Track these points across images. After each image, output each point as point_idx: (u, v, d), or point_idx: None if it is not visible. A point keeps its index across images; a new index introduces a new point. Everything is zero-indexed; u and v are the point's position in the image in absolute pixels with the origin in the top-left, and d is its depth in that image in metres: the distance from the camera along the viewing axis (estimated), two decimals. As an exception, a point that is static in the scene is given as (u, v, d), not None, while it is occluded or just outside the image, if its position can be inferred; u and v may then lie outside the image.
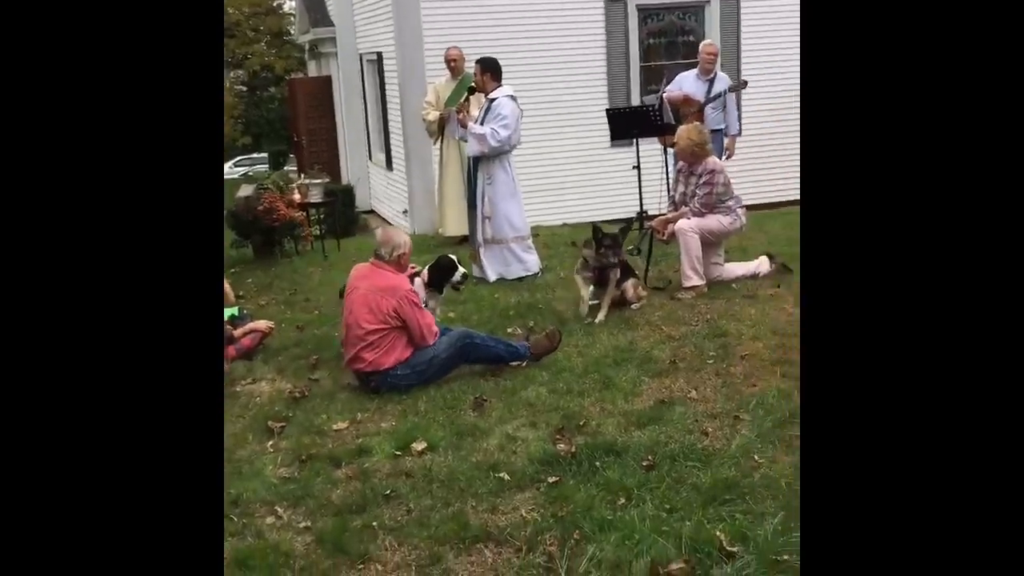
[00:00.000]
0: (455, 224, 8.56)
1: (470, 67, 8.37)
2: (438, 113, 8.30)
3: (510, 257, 6.90)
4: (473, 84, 6.95)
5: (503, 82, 6.83)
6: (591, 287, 5.78)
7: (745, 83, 8.07)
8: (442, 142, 8.54)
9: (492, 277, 6.86)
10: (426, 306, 5.08)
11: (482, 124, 6.72)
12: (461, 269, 5.36)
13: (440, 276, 5.28)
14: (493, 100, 6.74)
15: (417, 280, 5.26)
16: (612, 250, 5.60)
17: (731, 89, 7.83)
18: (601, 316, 5.64)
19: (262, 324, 5.66)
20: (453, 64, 8.34)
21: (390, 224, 11.40)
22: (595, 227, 5.70)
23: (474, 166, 6.87)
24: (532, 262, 6.97)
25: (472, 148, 6.76)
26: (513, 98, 6.78)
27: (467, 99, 7.08)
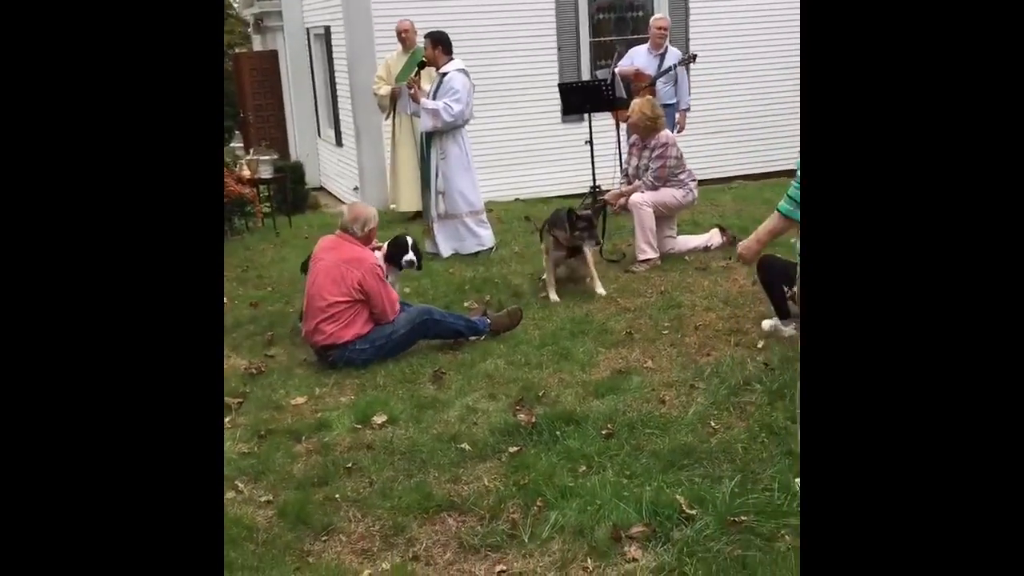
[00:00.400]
0: (408, 200, 8.52)
1: (422, 41, 8.33)
2: (390, 88, 8.22)
3: (464, 232, 6.89)
4: (424, 59, 6.89)
5: (454, 56, 6.79)
6: (558, 267, 5.74)
7: (694, 57, 8.14)
8: (394, 117, 8.47)
9: (446, 252, 6.85)
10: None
11: (434, 99, 6.68)
12: (409, 255, 5.20)
13: (396, 253, 5.26)
14: (445, 75, 6.70)
15: (378, 254, 5.23)
16: (587, 232, 5.52)
17: (681, 63, 7.89)
18: (600, 289, 5.60)
19: None
20: (404, 35, 8.26)
21: (342, 201, 11.31)
22: (570, 210, 5.58)
23: (427, 141, 6.84)
24: (487, 236, 6.98)
25: (425, 123, 6.71)
26: (465, 72, 6.75)
27: (418, 74, 7.02)
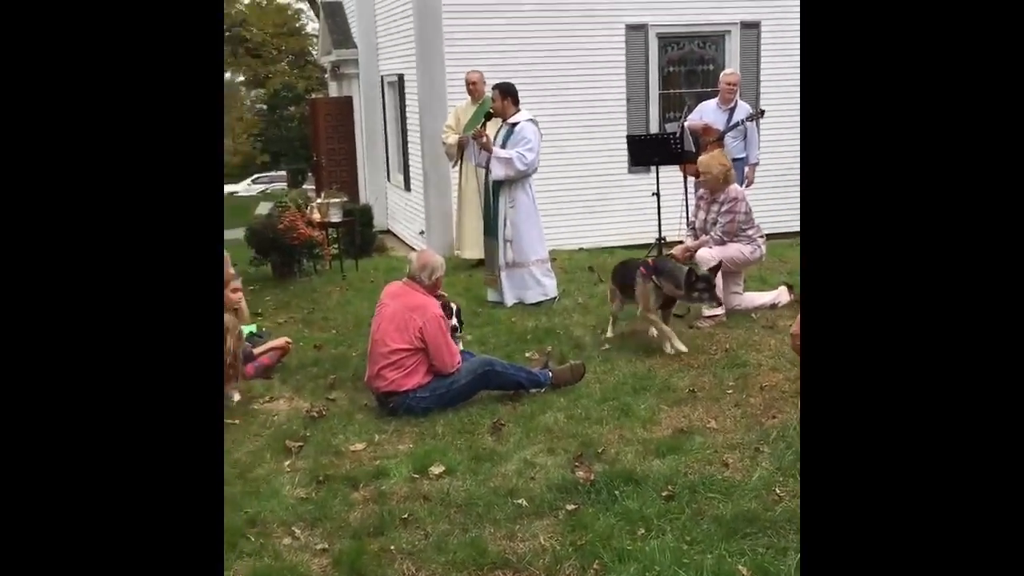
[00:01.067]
0: (472, 247, 8.59)
1: (490, 92, 8.45)
2: (458, 137, 8.35)
3: (530, 281, 6.90)
4: (491, 109, 6.97)
5: (521, 107, 6.86)
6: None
7: (763, 112, 8.07)
8: (461, 165, 8.57)
9: (510, 301, 6.86)
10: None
11: (503, 148, 6.74)
12: (452, 322, 5.14)
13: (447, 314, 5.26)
14: (514, 125, 6.76)
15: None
16: (707, 292, 5.38)
17: (749, 118, 7.84)
18: (681, 346, 5.48)
19: (280, 341, 5.67)
20: (473, 87, 8.39)
21: (417, 247, 11.45)
22: (690, 269, 5.45)
23: (494, 190, 6.89)
24: (551, 286, 6.97)
25: (497, 172, 6.76)
26: (534, 122, 6.82)
27: (484, 124, 7.11)
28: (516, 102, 6.83)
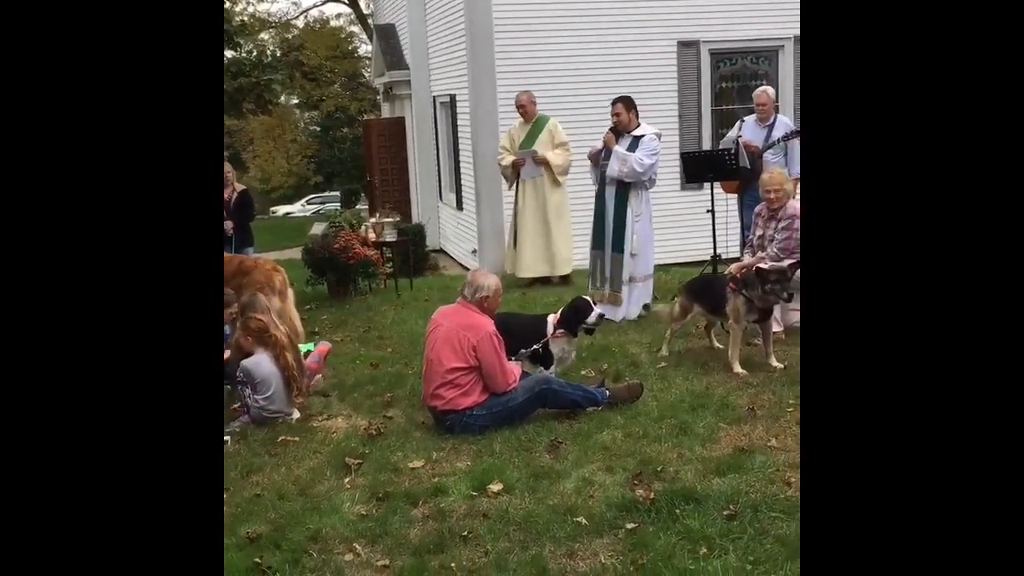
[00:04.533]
0: (529, 266, 8.63)
1: (542, 110, 8.51)
2: (512, 158, 8.42)
3: (645, 295, 7.02)
4: (615, 122, 7.00)
5: (641, 120, 7.03)
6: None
7: (797, 132, 7.92)
8: (517, 186, 8.62)
9: (634, 315, 6.96)
10: (546, 353, 5.20)
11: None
12: (597, 310, 5.28)
13: (575, 317, 5.25)
14: (639, 137, 6.85)
15: (549, 318, 5.29)
16: (780, 284, 5.31)
17: (785, 137, 7.73)
18: (776, 362, 5.45)
19: (323, 346, 5.84)
20: (522, 109, 8.47)
21: (470, 266, 11.51)
22: (758, 269, 5.46)
23: (618, 203, 6.91)
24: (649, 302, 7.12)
25: (612, 168, 6.83)
26: (658, 135, 6.97)
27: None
28: (638, 115, 6.96)
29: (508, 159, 8.49)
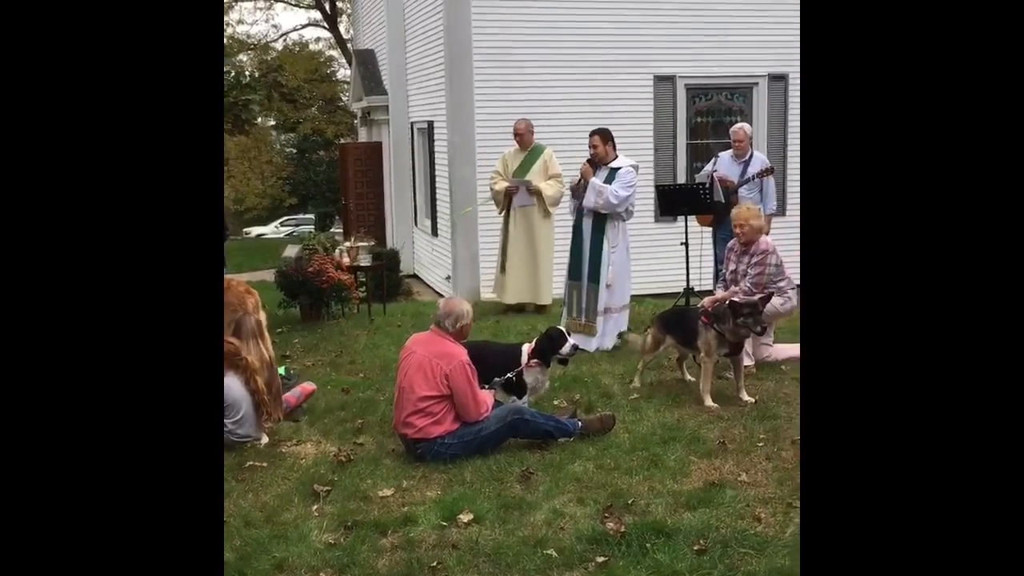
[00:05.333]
0: (516, 292, 8.67)
1: (539, 138, 8.57)
2: (505, 184, 8.46)
3: (620, 326, 7.04)
4: (592, 154, 7.06)
5: (619, 152, 7.10)
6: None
7: (771, 169, 8.03)
8: (508, 213, 8.65)
9: (609, 345, 6.97)
10: (519, 382, 5.18)
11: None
12: (571, 340, 5.27)
13: (549, 347, 5.22)
14: (616, 169, 6.91)
15: (524, 347, 5.28)
16: (752, 317, 5.35)
17: (759, 175, 7.83)
18: (746, 397, 5.48)
19: (309, 387, 5.69)
20: (519, 137, 8.53)
21: (444, 292, 11.50)
22: (730, 302, 5.51)
23: (595, 233, 6.95)
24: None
25: (589, 199, 6.88)
26: (635, 168, 7.03)
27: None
28: (615, 147, 7.03)
29: (501, 184, 8.54)
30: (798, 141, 10.83)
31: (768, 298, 5.69)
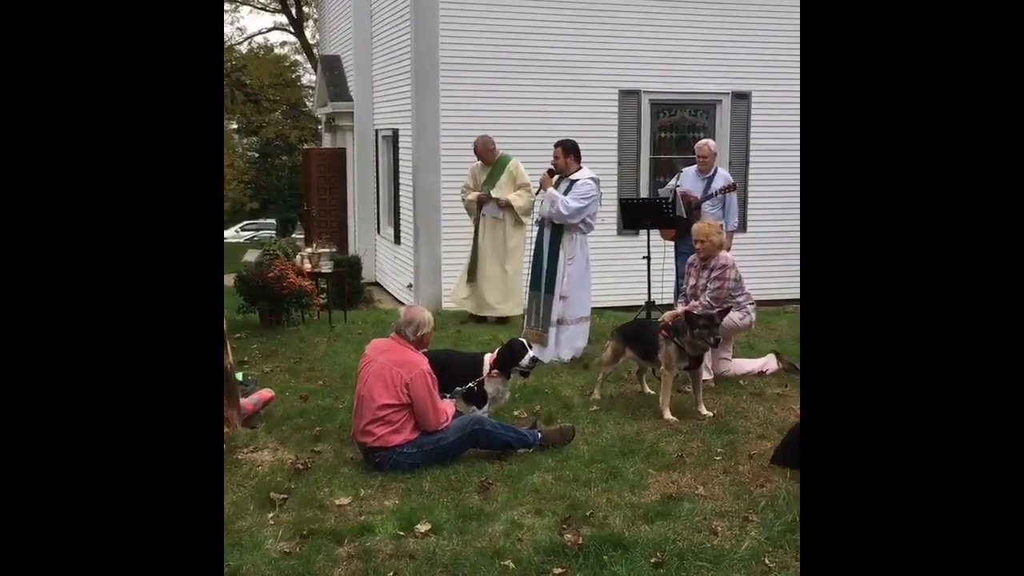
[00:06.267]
0: (484, 304, 8.68)
1: (505, 149, 8.59)
2: (477, 193, 8.48)
3: (576, 338, 7.03)
4: (553, 165, 7.08)
5: (582, 164, 7.13)
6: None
7: (734, 186, 8.15)
8: (478, 224, 8.65)
9: (566, 356, 6.97)
10: (480, 392, 5.17)
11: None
12: (531, 353, 5.23)
13: (509, 359, 5.19)
14: (575, 180, 6.94)
15: (486, 357, 5.25)
16: (708, 329, 5.38)
17: (722, 191, 7.94)
18: (705, 411, 5.50)
19: (267, 393, 5.63)
20: (479, 156, 8.58)
21: (405, 300, 11.45)
22: (688, 313, 5.57)
23: (552, 245, 6.98)
24: (581, 347, 7.07)
25: (544, 208, 6.99)
26: (595, 180, 7.05)
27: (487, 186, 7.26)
28: (578, 159, 7.07)
29: (473, 195, 8.57)
30: (759, 158, 11.01)
31: (726, 312, 5.75)
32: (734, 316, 6.23)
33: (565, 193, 6.92)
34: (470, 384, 5.18)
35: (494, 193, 8.43)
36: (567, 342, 7.02)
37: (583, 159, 7.30)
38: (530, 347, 5.32)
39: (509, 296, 8.63)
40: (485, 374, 5.20)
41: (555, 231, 6.97)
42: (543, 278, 7.01)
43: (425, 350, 4.89)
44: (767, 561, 3.52)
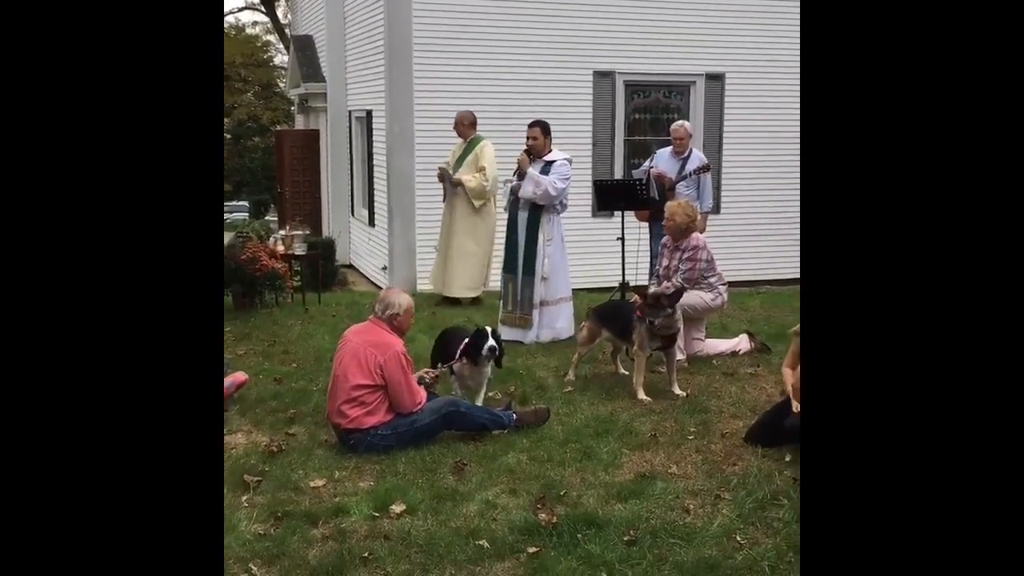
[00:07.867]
0: (461, 286, 8.66)
1: (481, 130, 8.54)
2: (440, 166, 8.54)
3: (558, 318, 7.02)
4: (529, 146, 7.06)
5: (554, 146, 7.15)
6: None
7: (707, 167, 8.18)
8: (448, 207, 8.62)
9: (546, 338, 6.97)
10: (452, 374, 5.17)
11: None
12: (490, 342, 5.05)
13: (477, 343, 5.08)
14: (551, 162, 6.94)
15: (488, 330, 5.19)
16: (655, 310, 5.37)
17: (696, 171, 7.97)
18: (678, 390, 5.53)
19: (241, 376, 5.60)
20: (455, 127, 8.53)
21: (380, 283, 11.42)
22: (645, 289, 5.56)
23: (530, 227, 6.96)
24: (567, 327, 7.06)
25: (526, 190, 6.88)
26: (569, 160, 7.06)
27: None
28: (551, 140, 7.09)
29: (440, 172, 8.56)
30: (733, 140, 11.06)
31: (681, 291, 5.75)
32: (706, 297, 6.27)
33: (543, 174, 6.91)
34: (450, 363, 5.18)
35: (457, 173, 8.40)
36: (547, 323, 7.03)
37: (557, 140, 7.31)
38: (496, 335, 5.21)
39: (474, 278, 8.60)
40: (454, 360, 5.19)
41: (532, 212, 6.96)
42: (519, 260, 7.01)
43: (403, 333, 4.86)
44: (738, 538, 3.57)
